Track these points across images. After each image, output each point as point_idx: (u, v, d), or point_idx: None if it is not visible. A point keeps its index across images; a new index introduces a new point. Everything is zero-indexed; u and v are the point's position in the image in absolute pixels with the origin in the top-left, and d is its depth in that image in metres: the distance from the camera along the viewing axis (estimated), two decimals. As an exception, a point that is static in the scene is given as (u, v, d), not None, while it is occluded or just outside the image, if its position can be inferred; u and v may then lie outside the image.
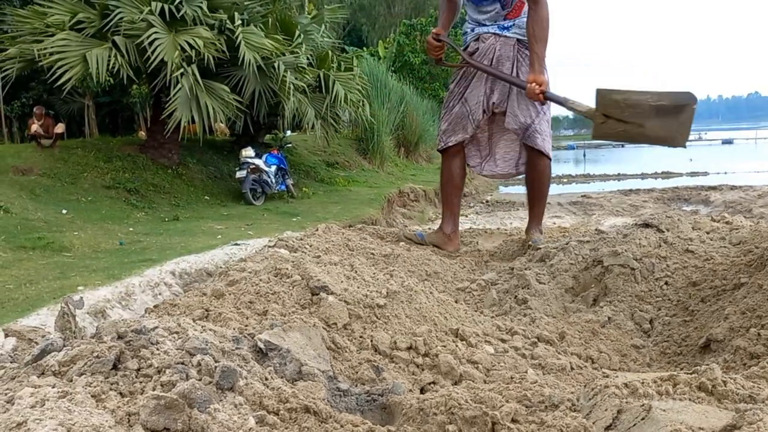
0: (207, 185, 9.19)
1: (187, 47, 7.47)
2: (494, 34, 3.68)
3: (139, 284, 2.92)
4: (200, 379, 1.11)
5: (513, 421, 1.12)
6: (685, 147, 3.03)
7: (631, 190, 10.73)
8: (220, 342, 1.30)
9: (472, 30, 3.81)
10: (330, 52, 10.36)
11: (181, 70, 7.50)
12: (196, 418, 1.02)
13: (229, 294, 1.94)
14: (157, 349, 1.17)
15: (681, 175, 15.00)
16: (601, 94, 3.01)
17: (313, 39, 10.25)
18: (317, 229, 3.60)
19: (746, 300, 2.08)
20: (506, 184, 13.64)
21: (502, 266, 3.29)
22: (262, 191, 8.82)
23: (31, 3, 8.16)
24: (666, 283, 2.55)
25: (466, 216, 9.02)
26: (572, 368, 1.89)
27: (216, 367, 1.15)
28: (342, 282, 2.00)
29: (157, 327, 1.25)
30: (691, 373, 1.28)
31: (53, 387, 1.03)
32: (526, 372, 1.74)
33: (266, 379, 1.24)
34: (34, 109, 9.67)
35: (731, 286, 2.30)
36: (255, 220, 6.83)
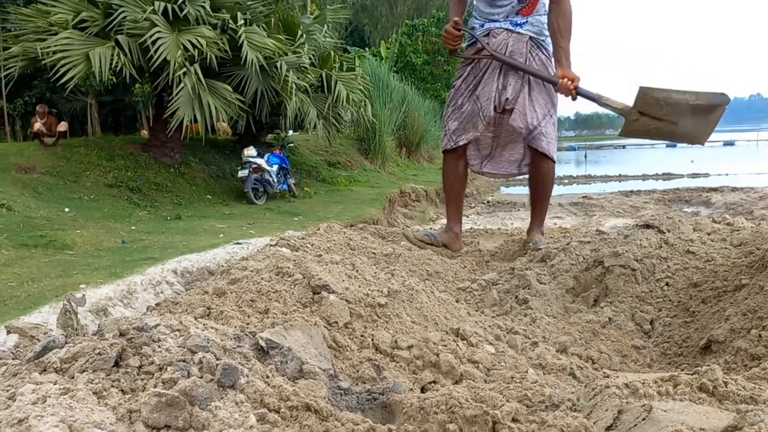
0: (209, 184, 9.20)
1: (189, 47, 7.48)
2: (506, 29, 3.57)
3: (140, 282, 2.93)
4: (202, 377, 1.11)
5: (514, 420, 1.12)
6: (703, 145, 3.20)
7: (632, 191, 10.72)
8: (222, 340, 1.30)
9: (482, 25, 3.69)
10: (332, 52, 10.37)
11: (184, 69, 7.51)
12: (198, 415, 1.02)
13: (231, 292, 1.94)
14: (159, 347, 1.17)
15: (682, 176, 14.98)
16: (643, 92, 3.06)
17: (316, 39, 10.27)
18: (319, 229, 3.60)
19: (747, 301, 2.07)
20: (507, 185, 13.65)
21: (503, 266, 3.29)
22: (263, 190, 8.83)
23: (34, 2, 8.18)
24: (667, 284, 2.55)
25: (467, 216, 9.02)
26: (572, 368, 1.89)
27: (217, 364, 1.15)
28: (343, 281, 2.01)
29: (158, 325, 1.25)
30: (692, 374, 1.28)
31: (55, 384, 1.04)
32: (526, 372, 1.74)
33: (267, 377, 1.25)
34: (37, 108, 9.69)
35: (732, 287, 2.29)
36: (257, 220, 6.84)
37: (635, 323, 2.40)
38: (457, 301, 2.40)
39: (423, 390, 1.60)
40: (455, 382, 1.65)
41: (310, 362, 1.42)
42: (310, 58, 9.34)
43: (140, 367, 1.12)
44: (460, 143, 3.75)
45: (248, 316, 1.74)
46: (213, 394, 1.08)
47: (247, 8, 8.67)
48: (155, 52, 7.31)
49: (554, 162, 3.74)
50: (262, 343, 1.40)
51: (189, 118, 7.73)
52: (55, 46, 7.30)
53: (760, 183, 10.84)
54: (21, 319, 2.24)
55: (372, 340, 1.76)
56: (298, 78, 8.74)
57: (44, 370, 1.11)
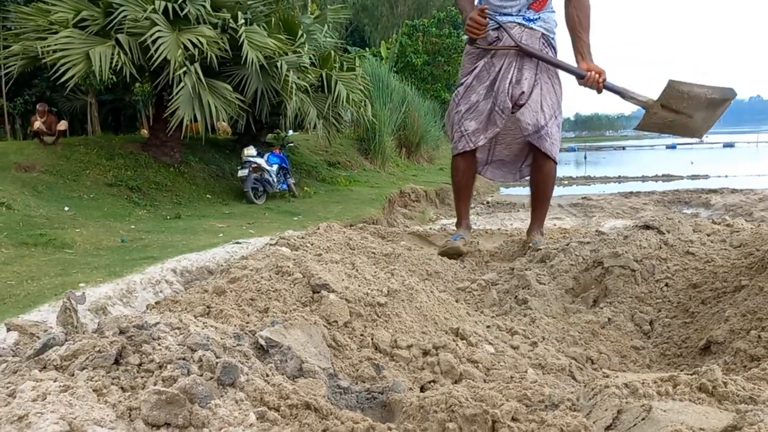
0: (209, 184, 9.20)
1: (190, 46, 7.48)
2: (519, 24, 3.47)
3: (140, 281, 2.93)
4: (201, 375, 1.11)
5: (513, 419, 1.12)
6: (702, 139, 3.35)
7: (631, 193, 10.73)
8: (222, 338, 1.30)
9: (493, 19, 3.56)
10: (332, 52, 10.37)
11: (184, 68, 7.51)
12: (197, 413, 1.02)
13: (231, 291, 1.94)
14: (159, 345, 1.17)
15: (682, 178, 14.99)
16: (671, 85, 3.11)
17: (316, 39, 10.28)
18: (318, 228, 3.60)
19: (747, 302, 2.08)
20: (507, 186, 13.65)
21: (503, 266, 3.30)
22: (263, 190, 8.84)
23: (35, 0, 8.18)
24: (666, 285, 2.55)
25: (467, 217, 9.01)
26: (572, 368, 1.89)
27: (217, 362, 1.15)
28: (343, 280, 2.01)
29: (158, 323, 1.25)
30: (691, 374, 1.29)
31: (55, 381, 1.03)
32: (526, 372, 1.74)
33: (267, 375, 1.25)
34: (37, 106, 9.70)
35: (732, 288, 2.30)
36: (256, 219, 6.84)
37: (635, 324, 2.40)
38: (456, 301, 2.40)
39: (422, 389, 1.60)
40: (455, 381, 1.65)
41: (310, 361, 1.42)
42: (310, 58, 9.34)
43: (140, 364, 1.12)
44: (480, 144, 3.61)
45: (248, 315, 1.74)
46: (213, 392, 1.08)
47: (247, 8, 8.67)
48: (155, 51, 7.31)
49: (556, 163, 3.72)
50: (262, 342, 1.40)
51: (189, 118, 7.73)
52: (56, 44, 7.31)
53: (760, 185, 10.84)
54: (20, 317, 2.23)
55: (371, 339, 1.76)
56: (299, 78, 8.74)
57: (44, 368, 1.11)
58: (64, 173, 7.75)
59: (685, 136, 3.26)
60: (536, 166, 3.74)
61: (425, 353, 1.73)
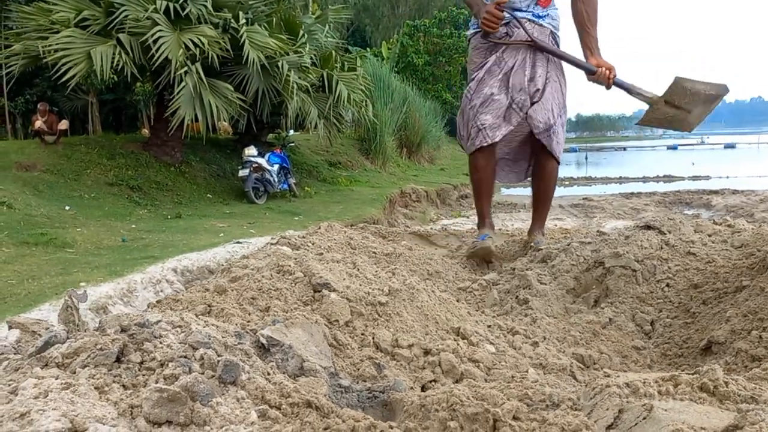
0: (210, 183, 9.21)
1: (191, 45, 7.48)
2: (529, 20, 3.40)
3: (140, 281, 2.93)
4: (203, 373, 1.11)
5: (515, 418, 1.12)
6: (691, 132, 3.41)
7: (632, 194, 10.72)
8: (223, 337, 1.30)
9: (508, 13, 3.45)
10: (333, 52, 10.37)
11: (185, 68, 7.52)
12: (199, 411, 1.02)
13: (232, 290, 1.94)
14: (160, 343, 1.17)
15: (683, 179, 14.98)
16: (677, 82, 3.17)
17: (317, 39, 10.28)
18: (320, 228, 3.60)
19: (748, 302, 2.08)
20: (508, 186, 13.64)
21: (504, 266, 3.30)
22: (264, 190, 8.84)
23: (36, 0, 8.19)
24: (667, 285, 2.55)
25: (468, 217, 9.02)
26: (573, 368, 1.89)
27: (219, 361, 1.15)
28: (344, 279, 2.01)
29: (160, 321, 1.25)
30: (692, 374, 1.28)
31: (56, 378, 1.04)
32: (527, 371, 1.74)
33: (268, 374, 1.25)
34: (38, 106, 9.70)
35: (733, 288, 2.30)
36: (257, 219, 6.85)
37: (636, 324, 2.40)
38: (457, 301, 2.40)
39: (423, 389, 1.60)
40: (456, 381, 1.65)
41: (311, 360, 1.42)
42: (311, 58, 9.34)
43: (142, 362, 1.12)
44: (497, 139, 3.44)
45: (249, 314, 1.74)
46: (214, 390, 1.08)
47: (248, 7, 8.68)
48: (157, 50, 7.31)
49: (559, 164, 3.69)
50: (263, 341, 1.40)
51: (190, 117, 7.73)
52: (57, 44, 7.31)
53: (761, 186, 10.83)
54: (21, 316, 2.24)
55: (373, 338, 1.76)
56: (300, 78, 8.74)
57: (46, 365, 1.11)
58: (65, 172, 7.76)
59: (679, 129, 3.33)
60: (539, 166, 3.69)
61: (426, 352, 1.73)
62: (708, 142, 47.47)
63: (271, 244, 3.23)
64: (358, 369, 1.59)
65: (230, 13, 8.20)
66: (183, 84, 7.51)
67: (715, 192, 9.93)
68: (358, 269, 2.16)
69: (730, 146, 39.47)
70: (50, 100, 11.53)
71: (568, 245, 3.09)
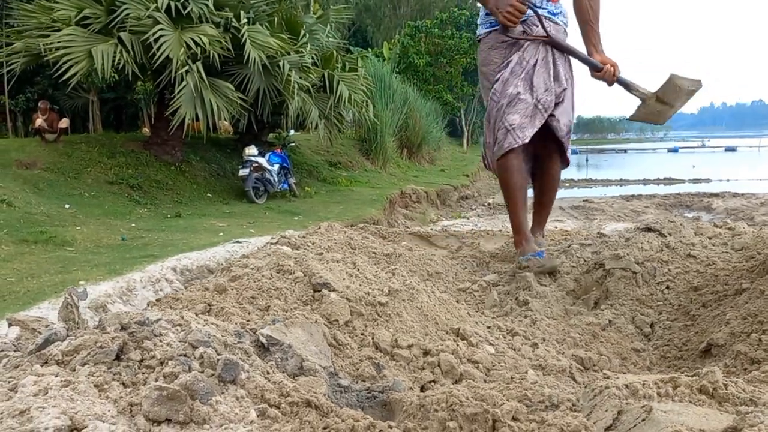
0: (210, 183, 9.21)
1: (192, 45, 7.49)
2: (545, 17, 3.28)
3: (140, 280, 2.93)
4: (203, 372, 1.11)
5: (514, 419, 1.12)
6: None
7: (633, 196, 10.73)
8: (223, 336, 1.30)
9: (530, 7, 3.30)
10: (335, 52, 10.38)
11: (186, 67, 7.52)
12: (198, 409, 1.02)
13: (232, 289, 1.94)
14: (160, 341, 1.17)
15: (683, 181, 15.00)
16: (671, 80, 3.19)
17: (318, 39, 10.28)
18: (320, 228, 3.60)
19: (748, 305, 2.08)
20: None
21: (504, 268, 3.29)
22: (264, 190, 8.84)
23: (37, -2, 8.20)
24: (667, 288, 2.55)
25: (468, 218, 9.02)
26: (572, 370, 1.89)
27: (218, 359, 1.15)
28: (344, 279, 2.01)
29: (160, 319, 1.25)
30: (692, 376, 1.28)
31: (56, 376, 1.04)
32: (526, 372, 1.74)
33: (268, 373, 1.25)
34: (39, 104, 9.70)
35: (733, 291, 2.30)
36: (257, 219, 6.85)
37: (635, 326, 2.40)
38: (457, 302, 2.40)
39: (423, 389, 1.60)
40: (455, 381, 1.65)
41: (311, 359, 1.42)
42: (312, 58, 9.35)
43: (141, 360, 1.12)
44: (527, 140, 3.19)
45: (249, 313, 1.74)
46: (214, 389, 1.08)
47: (250, 7, 8.68)
48: (158, 49, 7.32)
49: (567, 165, 3.64)
50: (263, 340, 1.40)
51: (191, 117, 7.74)
52: (58, 42, 7.31)
53: (762, 189, 10.84)
54: (21, 314, 2.24)
55: (372, 338, 1.76)
56: (301, 77, 8.75)
57: (46, 363, 1.11)
58: (65, 171, 7.76)
59: (655, 123, 3.41)
60: (548, 168, 3.54)
61: (426, 353, 1.73)
62: (709, 145, 47.47)
63: (271, 243, 3.23)
64: (358, 369, 1.59)
65: (231, 13, 8.21)
66: (184, 83, 7.51)
67: (716, 195, 9.94)
68: (358, 269, 2.16)
69: (730, 149, 39.47)
70: (51, 99, 11.53)
71: (569, 247, 3.09)
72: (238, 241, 4.04)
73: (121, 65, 7.46)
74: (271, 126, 11.38)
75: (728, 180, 14.91)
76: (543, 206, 3.71)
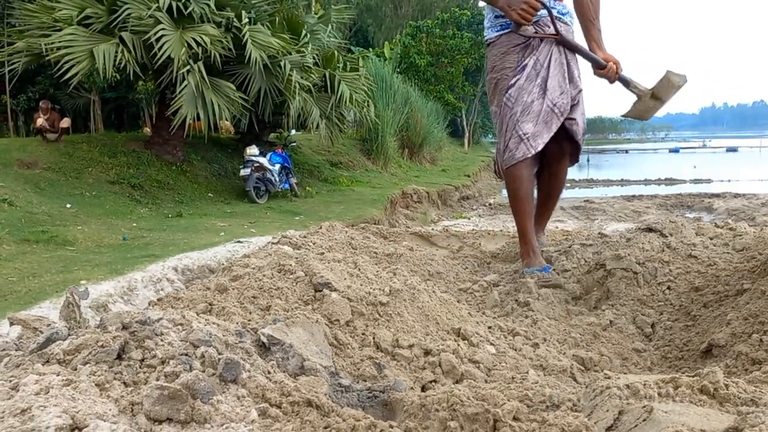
0: (211, 182, 9.21)
1: (193, 44, 7.49)
2: (555, 17, 3.22)
3: (141, 279, 2.93)
4: (204, 371, 1.12)
5: (515, 419, 1.12)
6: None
7: (634, 196, 10.73)
8: (224, 335, 1.30)
9: (544, 5, 3.21)
10: (336, 52, 10.38)
11: (188, 67, 7.52)
12: (199, 408, 1.02)
13: (233, 289, 1.95)
14: (161, 340, 1.17)
15: (684, 182, 14.99)
16: (667, 76, 3.19)
17: (320, 39, 10.28)
18: (321, 227, 3.60)
19: (749, 306, 2.08)
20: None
21: (505, 268, 3.29)
22: (265, 189, 8.84)
23: (39, -3, 8.20)
24: (668, 288, 2.55)
25: (469, 218, 9.02)
26: (573, 370, 1.89)
27: (219, 359, 1.15)
28: (345, 279, 2.01)
29: (161, 318, 1.26)
30: (693, 376, 1.28)
31: (58, 375, 1.04)
32: (527, 372, 1.74)
33: (269, 372, 1.25)
34: (40, 104, 9.70)
35: (734, 291, 2.30)
36: (258, 218, 6.85)
37: (636, 326, 2.40)
38: (458, 302, 2.40)
39: (423, 389, 1.60)
40: (456, 381, 1.65)
41: (312, 359, 1.42)
42: (313, 58, 9.34)
43: (143, 360, 1.12)
44: (539, 148, 3.16)
45: (250, 313, 1.74)
46: (215, 388, 1.08)
47: (251, 7, 8.68)
48: (159, 49, 7.32)
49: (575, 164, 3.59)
50: (264, 339, 1.40)
51: (192, 116, 7.74)
52: (59, 42, 7.32)
53: (763, 189, 10.84)
54: (22, 313, 2.24)
55: (373, 338, 1.76)
56: (302, 77, 8.75)
57: (47, 362, 1.11)
58: (67, 170, 7.76)
59: (641, 119, 3.42)
60: (557, 169, 3.49)
61: (427, 353, 1.73)
62: (710, 146, 47.43)
63: (273, 243, 3.24)
64: (359, 368, 1.59)
65: (233, 12, 8.21)
66: (185, 83, 7.52)
67: (717, 195, 9.94)
68: (359, 269, 2.16)
69: (732, 150, 39.42)
70: (52, 98, 11.53)
71: (570, 247, 3.09)
72: (239, 241, 4.04)
73: (122, 65, 7.46)
74: (272, 126, 11.38)
75: (729, 180, 14.90)
76: (547, 207, 3.69)
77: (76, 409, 0.94)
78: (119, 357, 1.12)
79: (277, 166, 9.14)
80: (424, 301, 2.05)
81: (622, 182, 15.61)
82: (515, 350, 1.99)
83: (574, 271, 2.88)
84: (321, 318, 1.70)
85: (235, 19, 8.14)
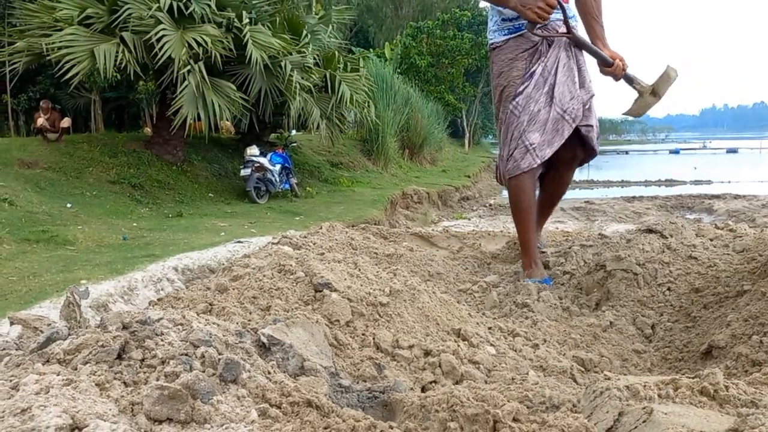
0: (211, 183, 9.21)
1: (194, 44, 7.49)
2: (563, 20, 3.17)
3: (141, 279, 2.93)
4: (204, 371, 1.12)
5: (514, 420, 1.12)
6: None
7: (634, 197, 10.73)
8: (224, 335, 1.30)
9: (559, 3, 3.15)
10: (336, 52, 10.38)
11: (188, 67, 7.53)
12: (199, 409, 1.02)
13: (233, 289, 1.95)
14: (162, 340, 1.17)
15: (685, 183, 14.98)
16: (667, 71, 3.20)
17: (320, 39, 10.29)
18: (321, 228, 3.60)
19: (749, 307, 2.07)
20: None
21: (505, 269, 3.29)
22: (266, 190, 8.84)
23: (40, -3, 8.21)
24: (668, 289, 2.55)
25: (469, 219, 9.02)
26: (573, 371, 1.89)
27: (219, 359, 1.15)
28: (345, 279, 2.01)
29: (161, 318, 1.26)
30: (693, 378, 1.28)
31: (58, 375, 1.04)
32: (527, 373, 1.74)
33: (269, 372, 1.25)
34: (41, 103, 9.71)
35: (734, 293, 2.29)
36: (258, 219, 6.85)
37: (636, 327, 2.40)
38: (458, 303, 2.40)
39: (423, 390, 1.60)
40: (456, 382, 1.65)
41: (312, 359, 1.42)
42: (314, 58, 9.35)
43: (143, 360, 1.12)
44: (546, 157, 3.12)
45: (250, 313, 1.74)
46: (215, 389, 1.08)
47: (252, 7, 8.69)
48: (160, 49, 7.32)
49: None
50: (264, 340, 1.40)
51: (192, 116, 7.74)
52: (60, 42, 7.32)
53: (763, 191, 10.83)
54: (23, 312, 2.24)
55: (373, 338, 1.76)
56: (302, 78, 8.75)
57: (47, 361, 1.11)
58: (67, 170, 7.77)
59: (638, 116, 3.43)
60: (564, 175, 3.45)
61: (427, 353, 1.73)
62: (710, 147, 47.41)
63: (273, 243, 3.24)
64: (359, 369, 1.59)
65: (233, 13, 8.21)
66: (186, 83, 7.52)
67: (717, 196, 9.94)
68: (360, 269, 2.16)
69: (732, 151, 39.40)
70: (53, 98, 11.54)
71: (570, 248, 3.09)
72: (239, 241, 4.04)
73: (123, 65, 7.46)
74: (272, 126, 11.39)
75: (729, 182, 14.89)
76: (549, 207, 3.68)
77: (76, 408, 0.94)
78: (119, 357, 1.12)
79: (278, 167, 9.15)
80: (424, 301, 2.05)
81: (623, 183, 15.60)
82: (515, 351, 1.99)
83: (575, 272, 2.88)
84: (321, 318, 1.70)
85: (235, 20, 8.14)
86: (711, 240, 2.92)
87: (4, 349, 1.22)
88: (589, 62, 3.32)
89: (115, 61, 7.34)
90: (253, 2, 8.75)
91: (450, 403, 1.15)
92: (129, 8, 7.55)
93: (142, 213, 6.99)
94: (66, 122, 9.29)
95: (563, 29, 3.12)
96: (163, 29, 7.45)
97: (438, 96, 21.55)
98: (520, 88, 3.12)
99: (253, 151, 8.89)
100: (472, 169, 16.43)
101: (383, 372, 1.59)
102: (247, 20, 8.17)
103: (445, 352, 1.73)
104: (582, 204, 9.52)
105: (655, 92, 3.21)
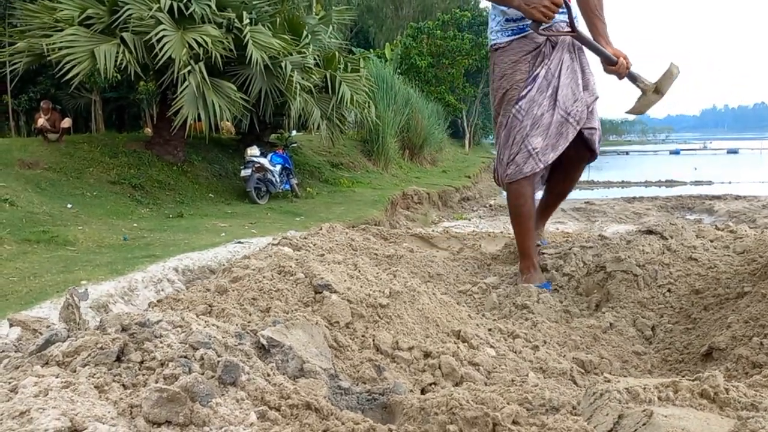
0: (212, 183, 9.22)
1: (195, 45, 7.50)
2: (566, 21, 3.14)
3: (141, 280, 2.93)
4: (203, 373, 1.11)
5: (514, 422, 1.12)
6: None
7: (634, 198, 10.72)
8: (223, 337, 1.30)
9: (565, 2, 3.11)
10: (337, 53, 10.38)
11: (189, 67, 7.53)
12: (198, 411, 1.02)
13: (233, 290, 1.94)
14: (161, 342, 1.17)
15: (685, 183, 14.98)
16: (671, 69, 3.17)
17: (321, 39, 10.29)
18: (321, 229, 3.60)
19: (749, 309, 2.07)
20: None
21: (505, 270, 3.29)
22: (266, 190, 8.84)
23: (40, -2, 8.21)
24: (669, 291, 2.55)
25: (470, 220, 9.02)
26: (573, 373, 1.89)
27: (219, 361, 1.15)
28: (345, 281, 2.01)
29: (161, 320, 1.25)
30: (693, 380, 1.28)
31: (57, 377, 1.04)
32: (527, 375, 1.74)
33: (268, 375, 1.25)
34: (41, 104, 9.71)
35: (734, 294, 2.29)
36: (259, 219, 6.85)
37: (636, 329, 2.40)
38: (458, 304, 2.40)
39: (423, 391, 1.60)
40: (455, 384, 1.65)
41: (311, 361, 1.42)
42: (314, 59, 9.35)
43: (142, 362, 1.12)
44: (550, 161, 3.09)
45: (250, 314, 1.74)
46: (214, 391, 1.08)
47: (252, 8, 8.69)
48: (160, 50, 7.33)
49: None
50: (264, 342, 1.40)
51: (193, 117, 7.74)
52: (61, 42, 7.32)
53: (764, 191, 10.83)
54: (23, 313, 2.24)
55: (373, 340, 1.76)
56: (303, 78, 8.75)
57: (46, 364, 1.11)
58: (68, 170, 7.77)
59: (640, 113, 3.42)
60: (571, 174, 3.44)
61: (426, 355, 1.73)
62: (711, 147, 47.39)
63: (273, 244, 3.24)
64: (358, 371, 1.59)
65: (234, 13, 8.21)
66: (186, 83, 7.52)
67: (718, 197, 9.93)
68: (360, 271, 2.16)
69: (732, 151, 39.39)
70: (53, 98, 11.55)
71: (570, 249, 3.08)
72: (239, 242, 4.04)
73: (123, 65, 7.47)
74: (273, 127, 11.39)
75: (730, 182, 14.89)
76: (554, 206, 3.68)
77: (75, 411, 0.94)
78: (118, 359, 1.12)
79: (278, 167, 9.15)
80: (424, 303, 2.05)
81: (623, 184, 15.60)
82: (515, 353, 1.98)
83: (574, 273, 2.88)
84: (321, 320, 1.70)
85: (236, 20, 8.15)
86: (711, 241, 2.91)
87: (3, 351, 1.22)
88: (593, 63, 3.29)
89: (116, 61, 7.34)
90: (254, 3, 8.75)
91: (449, 406, 1.15)
92: (129, 9, 7.55)
93: (142, 213, 6.99)
94: (66, 123, 9.29)
95: (568, 29, 3.10)
96: (164, 30, 7.45)
97: (438, 96, 21.56)
98: (524, 92, 3.08)
99: (253, 151, 8.89)
100: (473, 169, 16.43)
101: (383, 374, 1.58)
102: (248, 21, 8.18)
103: (444, 354, 1.73)
104: (582, 205, 9.51)
105: (658, 90, 3.20)
